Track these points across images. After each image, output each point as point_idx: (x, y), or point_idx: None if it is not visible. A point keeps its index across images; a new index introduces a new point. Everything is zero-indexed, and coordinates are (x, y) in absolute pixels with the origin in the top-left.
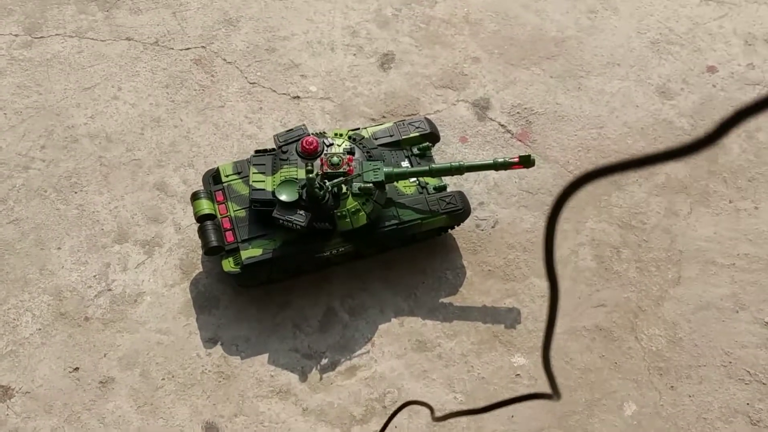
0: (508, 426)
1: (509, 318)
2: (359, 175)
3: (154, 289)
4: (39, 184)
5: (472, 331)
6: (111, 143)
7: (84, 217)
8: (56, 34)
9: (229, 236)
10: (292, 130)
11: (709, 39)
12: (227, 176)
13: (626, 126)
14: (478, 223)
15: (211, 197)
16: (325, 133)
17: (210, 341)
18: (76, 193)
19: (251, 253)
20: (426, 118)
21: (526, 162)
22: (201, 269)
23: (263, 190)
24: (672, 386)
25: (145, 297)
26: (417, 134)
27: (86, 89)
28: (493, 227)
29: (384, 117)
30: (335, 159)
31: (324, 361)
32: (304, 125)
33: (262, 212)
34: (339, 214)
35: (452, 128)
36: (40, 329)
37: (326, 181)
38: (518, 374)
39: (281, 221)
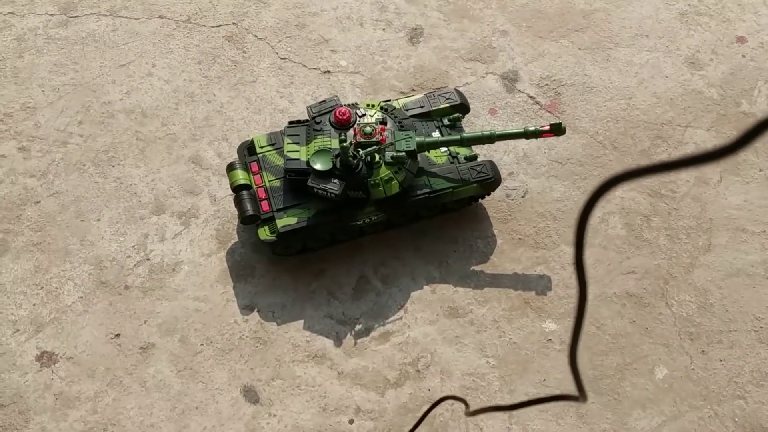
0: (540, 389)
1: (540, 285)
2: (392, 144)
3: (192, 259)
4: (78, 159)
5: (503, 297)
6: (146, 118)
7: (122, 189)
8: (91, 14)
9: (265, 206)
10: (324, 101)
11: (738, 9)
12: (261, 147)
13: (655, 96)
14: (508, 192)
15: (247, 168)
16: (357, 104)
17: (246, 308)
18: (113, 166)
19: (286, 221)
20: (456, 90)
21: (556, 130)
22: (237, 239)
23: (298, 159)
24: (703, 351)
25: (183, 266)
26: (447, 105)
27: (121, 66)
28: (523, 197)
29: (414, 90)
30: (368, 128)
31: (358, 327)
32: (336, 96)
33: (297, 182)
34: (372, 182)
35: (481, 100)
36: (81, 297)
37: (360, 149)
38: (549, 339)
39: (316, 190)
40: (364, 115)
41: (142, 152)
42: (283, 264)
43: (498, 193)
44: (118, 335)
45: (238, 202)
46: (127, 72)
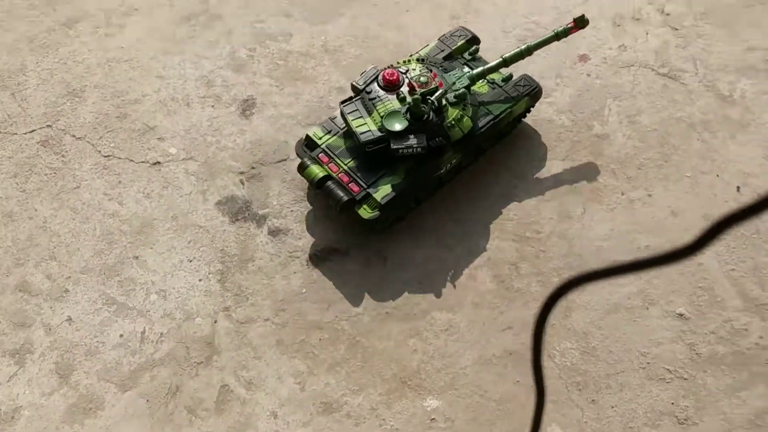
0: None
1: (415, 360)
2: (451, 85)
3: (32, 401)
4: None
5: (378, 381)
6: None
7: None
8: None
9: (354, 187)
10: (364, 72)
11: None
12: (320, 138)
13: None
14: (368, 263)
15: (317, 161)
16: (393, 65)
17: None
18: None
19: (383, 191)
20: (462, 27)
21: (581, 22)
22: (79, 370)
23: (369, 131)
24: (593, 400)
25: (23, 411)
26: (463, 41)
27: None
28: (384, 265)
29: (253, 168)
30: (423, 78)
31: None
32: (374, 66)
33: (377, 153)
34: (449, 124)
35: None
36: None
37: (429, 98)
38: (433, 418)
39: (401, 151)
40: (407, 71)
41: None
42: (137, 387)
43: (357, 265)
44: None
45: (329, 193)
46: None
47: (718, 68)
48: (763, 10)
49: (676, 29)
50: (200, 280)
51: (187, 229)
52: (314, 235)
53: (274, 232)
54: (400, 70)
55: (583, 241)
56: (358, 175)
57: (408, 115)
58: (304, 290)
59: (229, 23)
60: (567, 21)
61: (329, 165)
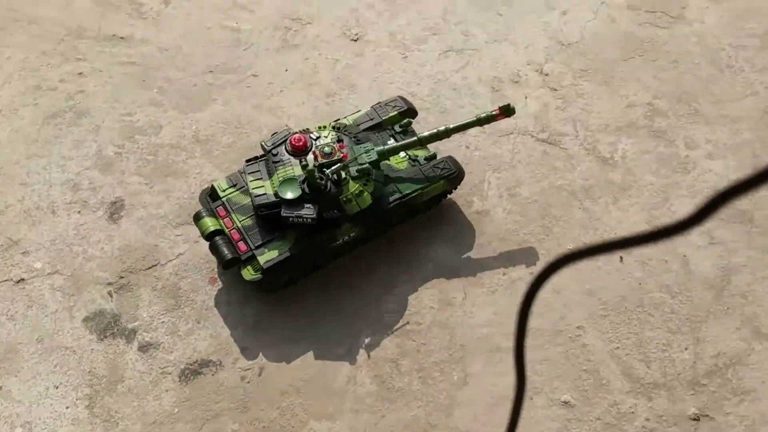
0: None
1: None
2: (354, 158)
3: None
4: None
5: None
6: None
7: None
8: None
9: (242, 246)
10: (276, 133)
11: (454, 95)
12: (224, 191)
13: None
14: (243, 375)
15: (214, 214)
16: (308, 129)
17: None
18: None
19: (268, 256)
20: (400, 97)
21: (507, 111)
22: None
23: (265, 194)
24: None
25: None
26: (395, 113)
27: None
28: (259, 375)
29: (122, 277)
30: (327, 148)
31: None
32: (287, 126)
33: (270, 216)
34: (344, 199)
35: (199, 270)
36: None
37: (325, 170)
38: None
39: (291, 219)
40: (318, 137)
41: None
42: None
43: (231, 377)
44: None
45: (215, 249)
46: None
47: (599, 129)
48: (643, 62)
49: (556, 90)
50: (67, 408)
51: (54, 351)
52: (187, 347)
53: (144, 347)
54: (311, 135)
55: (465, 330)
56: (249, 234)
57: (305, 184)
58: (176, 410)
59: (96, 118)
60: (448, 90)
61: (225, 219)
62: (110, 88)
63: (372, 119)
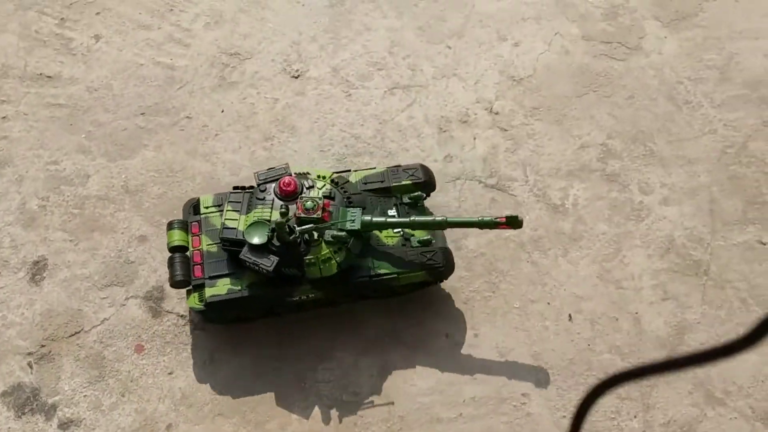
0: None
1: None
2: (335, 223)
3: None
4: None
5: None
6: None
7: None
8: None
9: (197, 271)
10: (274, 168)
11: (399, 137)
12: (206, 208)
13: None
14: None
15: (187, 228)
16: (308, 173)
17: None
18: None
19: (216, 291)
20: (422, 165)
21: (513, 222)
22: None
23: (234, 229)
24: None
25: None
26: (409, 182)
27: None
28: None
29: (43, 346)
30: (309, 203)
31: None
32: (286, 165)
33: (232, 251)
34: (308, 261)
35: (125, 338)
36: None
37: (295, 227)
38: None
39: (248, 263)
40: (312, 186)
41: None
42: None
43: None
44: None
45: (171, 265)
46: None
47: (549, 173)
48: (597, 98)
49: (506, 130)
50: None
51: None
52: (110, 423)
53: (65, 425)
54: (305, 183)
55: (404, 399)
56: (209, 262)
57: (273, 234)
58: None
59: (20, 168)
60: (393, 131)
61: (195, 237)
62: (35, 134)
63: (382, 182)
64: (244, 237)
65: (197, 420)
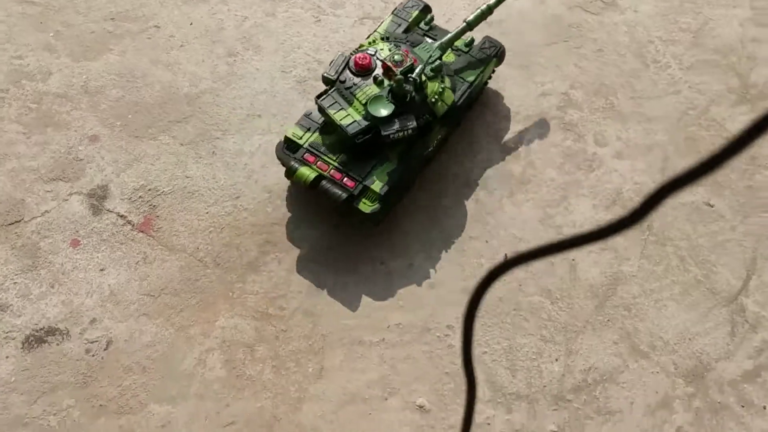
0: None
1: None
2: (423, 60)
3: None
4: None
5: None
6: None
7: None
8: None
9: (348, 183)
10: (332, 61)
11: None
12: (300, 138)
13: (266, 191)
14: (88, 347)
15: (304, 162)
16: (359, 47)
17: None
18: None
19: (381, 182)
20: None
21: None
22: None
23: (355, 121)
24: None
25: None
26: (417, 11)
27: None
28: (105, 349)
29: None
30: (397, 56)
31: None
32: (341, 52)
33: (366, 142)
34: (431, 101)
35: (62, 231)
36: None
37: (409, 76)
38: None
39: (392, 136)
40: (375, 52)
41: None
42: None
43: (76, 349)
44: None
45: (325, 193)
46: None
47: (507, 116)
48: (565, 49)
49: None
50: None
51: None
52: (36, 312)
53: None
54: (368, 51)
55: (330, 319)
56: (350, 168)
57: (390, 98)
58: (13, 379)
59: None
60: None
61: (317, 164)
62: (4, 28)
63: (399, 25)
64: (372, 117)
65: (122, 318)
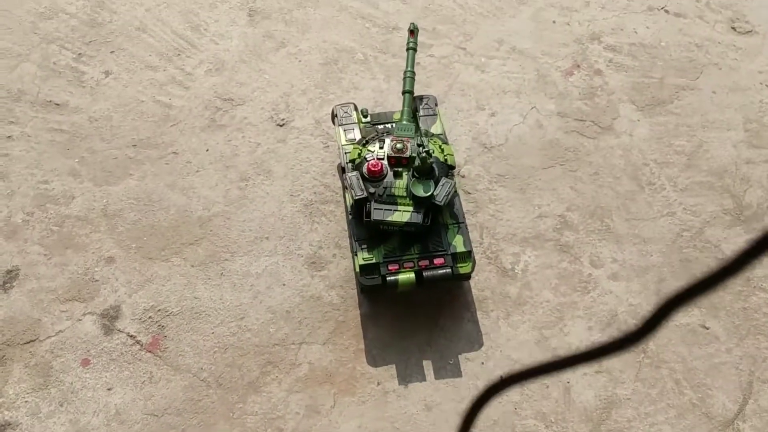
0: None
1: None
2: (412, 134)
3: None
4: None
5: None
6: None
7: None
8: None
9: (438, 261)
10: (349, 186)
11: None
12: (371, 259)
13: (270, 311)
14: None
15: (391, 273)
16: (352, 161)
17: None
18: None
19: (461, 243)
20: (352, 102)
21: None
22: None
23: (414, 213)
24: None
25: None
26: (354, 112)
27: None
28: None
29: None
30: (399, 145)
31: None
32: (347, 176)
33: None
34: (443, 159)
35: (74, 350)
36: None
37: (422, 152)
38: None
39: (444, 201)
40: (371, 151)
41: None
42: None
43: None
44: None
45: (432, 281)
46: None
47: (505, 238)
48: (562, 172)
49: (469, 194)
50: None
51: None
52: (44, 429)
53: (1, 427)
54: (369, 158)
55: None
56: (428, 250)
57: (418, 176)
58: None
59: (13, 184)
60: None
61: (404, 266)
62: (34, 154)
63: (353, 129)
64: (425, 198)
65: None
